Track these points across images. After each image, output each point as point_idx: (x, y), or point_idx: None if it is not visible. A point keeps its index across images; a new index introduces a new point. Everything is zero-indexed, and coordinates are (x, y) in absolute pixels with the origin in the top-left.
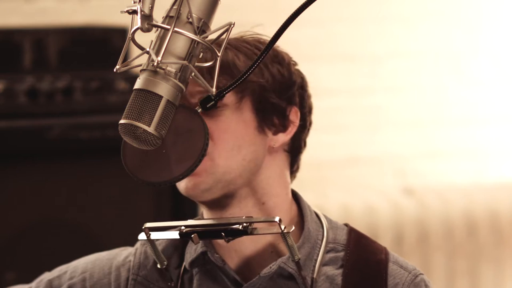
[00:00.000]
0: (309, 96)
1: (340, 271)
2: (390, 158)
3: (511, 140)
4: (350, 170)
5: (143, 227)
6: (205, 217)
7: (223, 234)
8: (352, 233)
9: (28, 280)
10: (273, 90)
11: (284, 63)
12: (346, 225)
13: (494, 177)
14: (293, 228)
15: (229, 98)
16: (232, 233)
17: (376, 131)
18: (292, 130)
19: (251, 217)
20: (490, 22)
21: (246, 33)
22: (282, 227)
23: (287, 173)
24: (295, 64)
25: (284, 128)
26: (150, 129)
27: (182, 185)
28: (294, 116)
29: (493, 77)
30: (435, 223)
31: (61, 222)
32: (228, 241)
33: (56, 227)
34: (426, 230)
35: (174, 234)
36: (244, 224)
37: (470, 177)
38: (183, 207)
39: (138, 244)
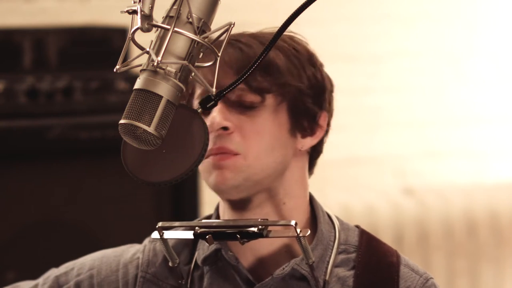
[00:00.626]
0: (333, 100)
1: (351, 272)
2: (390, 158)
3: (511, 140)
4: (350, 170)
5: (156, 226)
6: (222, 215)
7: (238, 236)
8: (364, 234)
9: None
10: (309, 94)
11: (317, 65)
12: (357, 226)
13: (494, 177)
14: (309, 232)
15: (270, 99)
16: (247, 236)
17: (376, 131)
18: (320, 134)
19: (267, 219)
20: (490, 22)
21: (275, 29)
22: (298, 230)
23: (307, 175)
24: (323, 66)
25: (312, 132)
26: (150, 129)
27: (211, 179)
28: (323, 121)
29: (492, 77)
30: (435, 223)
31: (61, 222)
32: (243, 243)
33: (56, 227)
34: (426, 230)
35: (188, 234)
36: (260, 227)
37: (470, 177)
38: (183, 207)
39: (146, 241)
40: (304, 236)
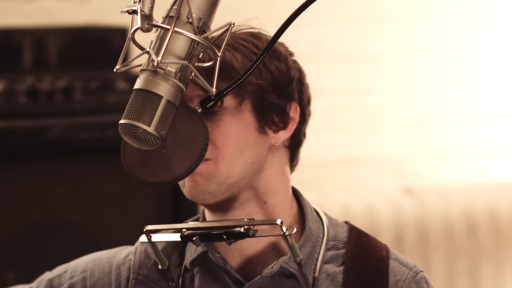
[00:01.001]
0: (307, 88)
1: (341, 268)
2: (390, 158)
3: (511, 140)
4: (350, 170)
5: (144, 230)
6: (207, 219)
7: (224, 236)
8: (353, 230)
9: (28, 280)
10: (272, 90)
11: (281, 57)
12: (346, 222)
13: (494, 177)
14: (295, 230)
15: (229, 101)
16: (234, 236)
17: (376, 131)
18: (292, 126)
19: (253, 219)
20: (490, 22)
21: (240, 28)
22: (284, 229)
23: (288, 169)
24: (292, 54)
25: (284, 126)
26: (150, 129)
27: (185, 188)
28: (294, 112)
29: (493, 77)
30: (435, 223)
31: (61, 222)
32: (230, 244)
33: (56, 227)
34: (426, 230)
35: (175, 237)
36: (246, 227)
37: (470, 177)
38: (183, 207)
39: (138, 243)
40: (290, 235)
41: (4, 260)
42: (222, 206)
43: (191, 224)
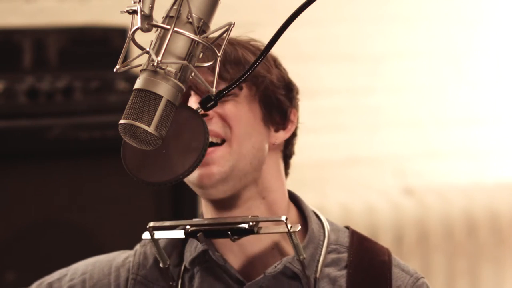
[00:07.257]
0: (298, 102)
1: (343, 272)
2: (390, 158)
3: (511, 140)
4: (350, 170)
5: (147, 226)
6: (209, 217)
7: (229, 233)
8: (355, 235)
9: (28, 280)
10: (280, 87)
11: (281, 68)
12: (347, 227)
13: (494, 177)
14: (299, 227)
15: (244, 91)
16: (238, 232)
17: (376, 131)
18: (291, 128)
19: (257, 216)
20: (490, 22)
21: (239, 37)
22: (289, 226)
23: (283, 171)
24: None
25: (284, 126)
26: (150, 129)
27: (195, 175)
28: (293, 116)
29: (493, 77)
30: (435, 223)
31: (61, 222)
32: (234, 240)
33: (56, 227)
34: (426, 230)
35: (179, 234)
36: (251, 223)
37: (470, 177)
38: (183, 207)
39: (137, 246)
40: (295, 232)
41: (4, 260)
42: (226, 203)
43: (194, 220)
